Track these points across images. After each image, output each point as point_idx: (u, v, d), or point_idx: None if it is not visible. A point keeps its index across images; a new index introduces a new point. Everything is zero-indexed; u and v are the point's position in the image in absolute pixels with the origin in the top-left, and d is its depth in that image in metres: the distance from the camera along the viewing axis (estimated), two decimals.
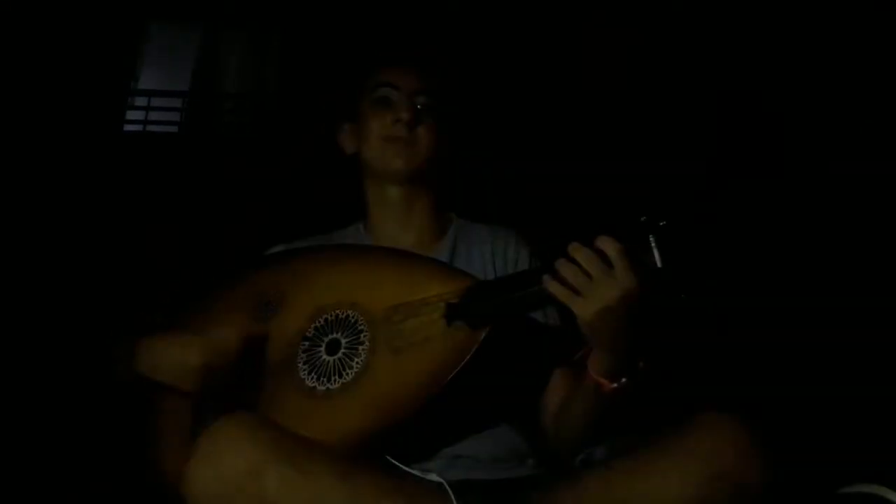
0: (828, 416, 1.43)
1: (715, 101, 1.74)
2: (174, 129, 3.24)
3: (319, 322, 1.08)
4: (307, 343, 1.07)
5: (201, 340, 1.08)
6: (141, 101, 3.28)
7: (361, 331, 1.05)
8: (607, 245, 0.89)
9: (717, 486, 0.81)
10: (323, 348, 1.06)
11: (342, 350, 1.04)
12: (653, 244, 0.89)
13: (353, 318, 1.06)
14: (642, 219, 0.90)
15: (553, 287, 0.90)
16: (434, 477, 0.95)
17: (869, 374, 1.47)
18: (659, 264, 0.89)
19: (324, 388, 1.02)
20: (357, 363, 1.02)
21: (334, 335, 1.06)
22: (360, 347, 1.03)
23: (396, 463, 0.97)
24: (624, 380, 0.94)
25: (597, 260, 0.88)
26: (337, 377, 1.02)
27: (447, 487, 0.92)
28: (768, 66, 1.68)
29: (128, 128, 3.12)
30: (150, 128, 3.20)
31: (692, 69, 1.79)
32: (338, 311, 1.08)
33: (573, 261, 0.90)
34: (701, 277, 0.88)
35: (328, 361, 1.04)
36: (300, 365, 1.05)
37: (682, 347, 1.47)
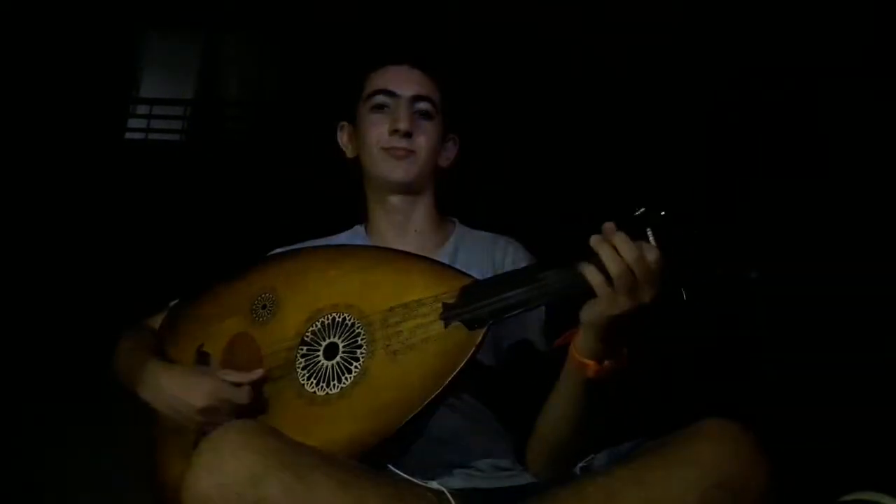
0: (829, 421, 1.42)
1: (711, 96, 1.74)
2: (176, 137, 3.25)
3: (316, 326, 1.07)
4: (305, 348, 1.06)
5: (206, 384, 1.06)
6: (143, 109, 3.30)
7: (359, 334, 1.04)
8: (650, 251, 0.88)
9: (718, 494, 0.80)
10: (321, 353, 1.05)
11: (340, 354, 1.03)
12: (651, 238, 0.89)
13: (349, 320, 1.05)
14: (640, 210, 0.89)
15: (591, 275, 0.88)
16: (435, 485, 0.94)
17: (870, 378, 1.46)
18: None
19: (323, 393, 1.01)
20: (355, 367, 1.02)
21: (332, 339, 1.05)
22: (358, 351, 1.03)
23: (397, 471, 0.96)
24: (607, 362, 0.93)
25: (645, 260, 0.87)
26: (336, 382, 1.02)
27: (448, 496, 0.92)
28: (762, 62, 1.68)
29: (130, 136, 3.13)
30: (152, 136, 3.22)
31: (688, 67, 1.79)
32: (335, 314, 1.07)
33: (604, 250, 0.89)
34: (701, 273, 0.87)
35: (326, 366, 1.03)
36: (299, 370, 1.04)
37: (683, 351, 1.47)
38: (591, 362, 0.93)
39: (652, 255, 0.88)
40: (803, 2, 1.64)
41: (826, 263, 1.46)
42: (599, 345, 0.93)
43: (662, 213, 0.88)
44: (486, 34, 2.12)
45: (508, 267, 1.21)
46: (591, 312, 0.92)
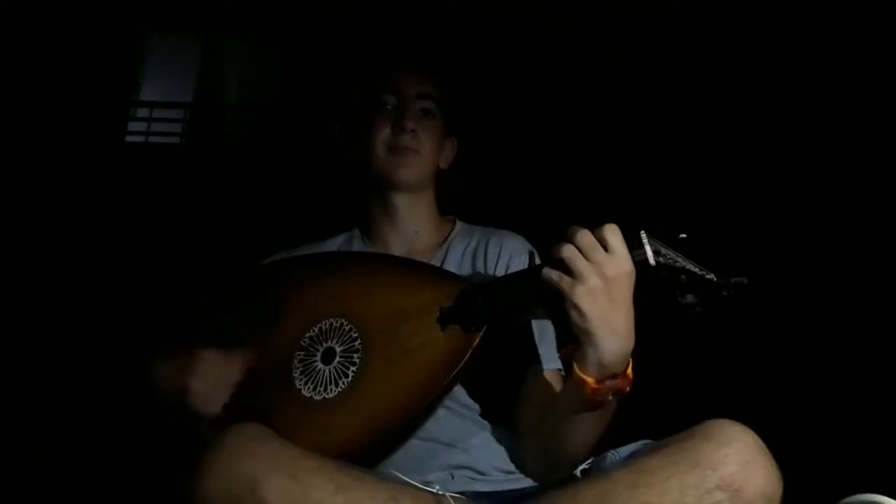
0: (828, 424, 1.42)
1: (711, 96, 1.74)
2: (176, 140, 3.26)
3: (314, 331, 1.07)
4: (302, 353, 1.06)
5: (204, 370, 1.06)
6: (143, 112, 3.31)
7: (356, 339, 1.04)
8: (608, 231, 0.89)
9: (718, 496, 0.80)
10: (318, 357, 1.05)
11: (337, 359, 1.03)
12: (645, 241, 0.89)
13: (346, 326, 1.05)
14: (641, 222, 0.89)
15: (548, 272, 0.89)
16: (434, 488, 0.94)
17: (870, 382, 1.45)
18: (651, 262, 0.89)
19: (320, 397, 1.01)
20: (352, 372, 1.02)
21: (329, 344, 1.05)
22: (355, 355, 1.03)
23: (397, 474, 0.96)
24: (609, 381, 0.91)
25: (596, 243, 0.88)
26: (333, 386, 1.02)
27: (447, 499, 0.91)
28: (762, 62, 1.68)
29: (130, 139, 3.15)
30: (153, 139, 3.23)
31: (686, 70, 1.79)
32: (332, 320, 1.07)
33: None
34: (696, 278, 0.87)
35: (323, 371, 1.03)
36: (296, 374, 1.04)
37: (684, 354, 1.46)
38: (590, 379, 0.91)
39: (611, 234, 0.89)
40: (803, 2, 1.64)
41: (826, 264, 1.46)
42: (596, 359, 0.91)
43: (683, 235, 0.89)
44: (486, 34, 2.12)
45: (513, 263, 1.21)
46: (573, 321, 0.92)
